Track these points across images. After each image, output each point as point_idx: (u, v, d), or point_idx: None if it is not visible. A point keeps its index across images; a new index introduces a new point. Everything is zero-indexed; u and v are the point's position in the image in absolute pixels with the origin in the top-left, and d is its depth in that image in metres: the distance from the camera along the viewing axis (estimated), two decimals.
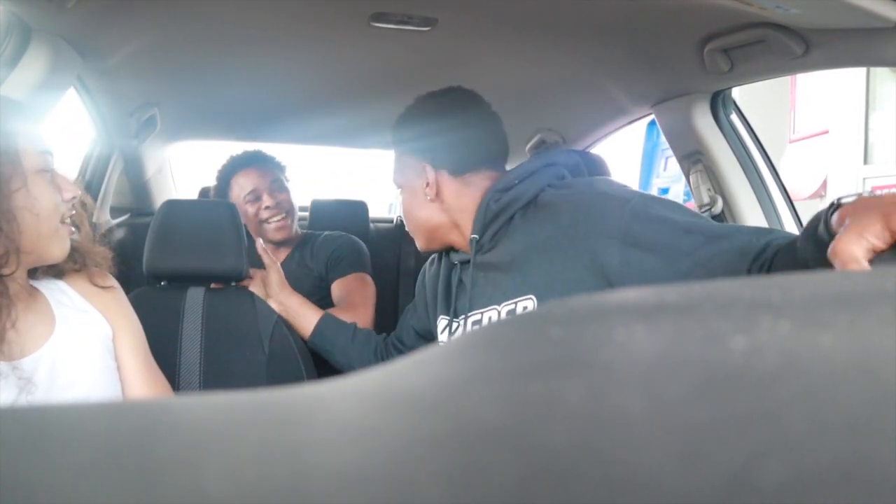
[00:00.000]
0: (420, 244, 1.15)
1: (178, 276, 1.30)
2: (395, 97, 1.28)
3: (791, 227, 1.45)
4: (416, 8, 1.17)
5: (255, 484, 0.11)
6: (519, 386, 0.14)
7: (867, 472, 0.10)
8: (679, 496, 0.10)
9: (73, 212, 0.91)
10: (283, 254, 1.70)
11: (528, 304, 0.99)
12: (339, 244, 1.68)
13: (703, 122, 1.48)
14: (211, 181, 1.80)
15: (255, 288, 1.37)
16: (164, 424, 0.14)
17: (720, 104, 1.49)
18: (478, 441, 0.12)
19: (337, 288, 1.60)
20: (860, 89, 6.01)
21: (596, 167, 1.31)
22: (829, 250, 0.59)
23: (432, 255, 1.26)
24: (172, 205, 1.31)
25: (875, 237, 0.56)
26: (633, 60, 1.39)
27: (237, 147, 1.85)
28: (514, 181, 1.04)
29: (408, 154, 1.11)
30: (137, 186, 2.13)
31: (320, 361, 1.35)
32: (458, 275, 1.12)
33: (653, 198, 0.95)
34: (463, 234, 1.09)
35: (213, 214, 1.30)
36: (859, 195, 0.63)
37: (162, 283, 1.32)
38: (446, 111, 1.08)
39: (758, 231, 0.87)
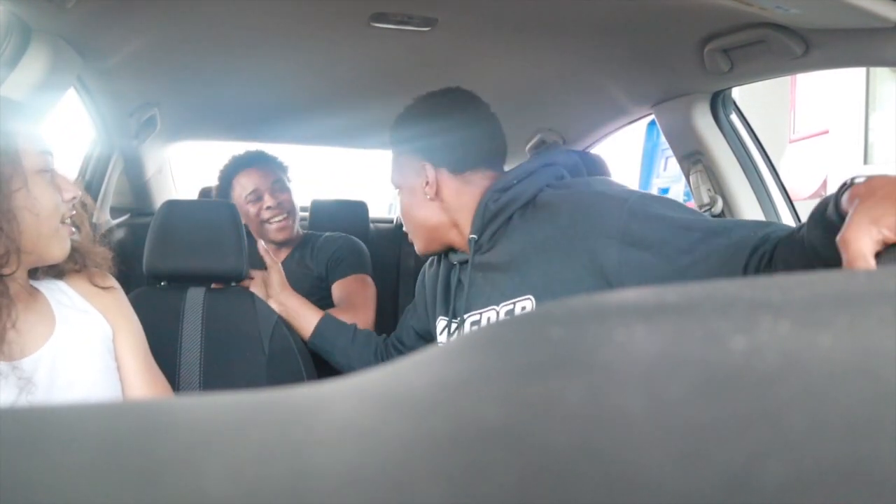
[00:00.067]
0: (419, 247, 1.14)
1: (178, 276, 1.30)
2: (395, 97, 1.28)
3: None
4: (415, 8, 1.17)
5: (255, 484, 0.11)
6: (519, 386, 0.14)
7: (867, 472, 0.10)
8: (679, 496, 0.10)
9: (74, 212, 0.91)
10: (284, 254, 1.70)
11: (526, 304, 0.99)
12: (340, 245, 1.68)
13: (703, 122, 1.48)
14: (211, 181, 1.80)
15: (255, 288, 1.37)
16: (164, 424, 0.14)
17: (720, 104, 1.49)
18: (477, 441, 0.12)
19: (338, 289, 1.60)
20: (860, 89, 6.02)
21: (596, 167, 1.31)
22: (839, 238, 0.55)
23: (431, 256, 1.26)
24: (172, 205, 1.31)
25: (889, 229, 0.53)
26: (633, 60, 1.39)
27: (237, 147, 1.85)
28: (513, 181, 1.04)
29: (407, 153, 1.11)
30: (137, 186, 2.13)
31: (320, 361, 1.35)
32: (458, 275, 1.12)
33: (650, 196, 0.95)
34: (462, 233, 1.09)
35: (213, 214, 1.30)
36: (869, 177, 0.59)
37: (162, 284, 1.32)
38: (445, 111, 1.08)
39: (756, 224, 0.87)
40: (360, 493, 0.11)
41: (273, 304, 1.34)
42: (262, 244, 1.40)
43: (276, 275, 1.37)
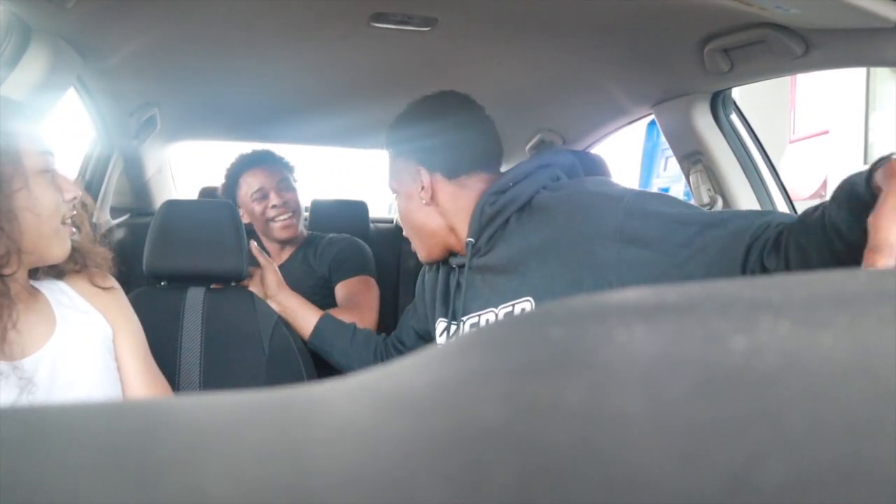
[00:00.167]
0: (422, 255, 1.14)
1: (178, 276, 1.30)
2: (394, 97, 1.28)
3: None
4: (415, 8, 1.17)
5: (255, 484, 0.11)
6: (518, 385, 0.14)
7: (867, 472, 0.10)
8: (679, 496, 0.10)
9: (74, 212, 0.91)
10: (287, 253, 1.71)
11: (525, 305, 0.99)
12: (344, 246, 1.69)
13: (703, 122, 1.48)
14: (211, 181, 1.81)
15: (254, 288, 1.37)
16: (164, 424, 0.14)
17: (720, 104, 1.49)
18: (477, 441, 0.12)
19: (341, 290, 1.60)
20: (860, 89, 6.02)
21: (595, 167, 1.31)
22: (870, 220, 0.52)
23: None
24: (172, 205, 1.31)
25: None
26: (633, 60, 1.39)
27: (237, 147, 1.86)
28: (509, 184, 1.03)
29: (402, 158, 1.11)
30: (137, 186, 2.13)
31: (320, 361, 1.35)
32: (457, 278, 1.12)
33: (646, 194, 0.95)
34: (460, 237, 1.08)
35: (213, 214, 1.30)
36: None
37: (162, 284, 1.32)
38: (439, 114, 1.08)
39: (754, 213, 0.86)
40: (360, 492, 0.11)
41: (272, 304, 1.34)
42: (254, 244, 1.39)
43: (272, 274, 1.37)
